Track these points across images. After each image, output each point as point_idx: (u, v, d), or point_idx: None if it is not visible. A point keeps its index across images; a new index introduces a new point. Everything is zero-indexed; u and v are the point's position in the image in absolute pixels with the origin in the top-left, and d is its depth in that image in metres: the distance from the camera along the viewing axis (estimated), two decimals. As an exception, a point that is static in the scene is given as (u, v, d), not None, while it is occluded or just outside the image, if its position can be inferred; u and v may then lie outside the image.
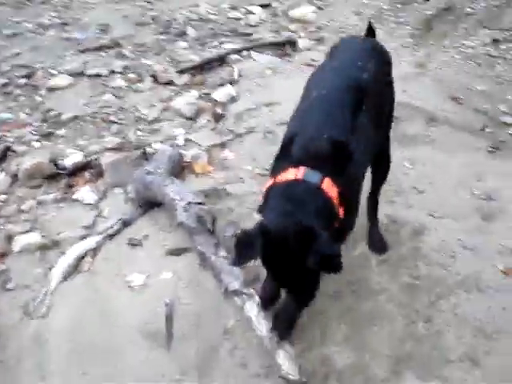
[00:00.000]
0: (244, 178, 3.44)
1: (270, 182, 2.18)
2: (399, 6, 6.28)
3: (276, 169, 2.21)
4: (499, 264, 2.76)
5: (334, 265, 1.94)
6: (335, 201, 2.05)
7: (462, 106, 4.48)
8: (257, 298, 2.46)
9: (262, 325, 2.36)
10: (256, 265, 2.13)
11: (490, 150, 3.96)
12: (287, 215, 1.99)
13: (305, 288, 2.10)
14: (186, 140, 3.82)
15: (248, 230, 2.05)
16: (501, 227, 3.05)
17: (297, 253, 1.92)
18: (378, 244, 2.85)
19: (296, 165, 2.09)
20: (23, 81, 4.73)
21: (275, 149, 3.61)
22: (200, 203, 2.82)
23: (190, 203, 2.80)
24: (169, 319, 2.44)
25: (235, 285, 2.53)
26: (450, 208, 3.18)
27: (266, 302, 2.42)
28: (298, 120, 2.34)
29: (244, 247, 2.00)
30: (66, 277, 2.78)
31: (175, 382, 2.26)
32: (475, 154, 3.86)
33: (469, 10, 5.85)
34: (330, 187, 2.05)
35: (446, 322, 2.42)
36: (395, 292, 2.55)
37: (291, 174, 2.07)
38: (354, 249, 2.79)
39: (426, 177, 3.47)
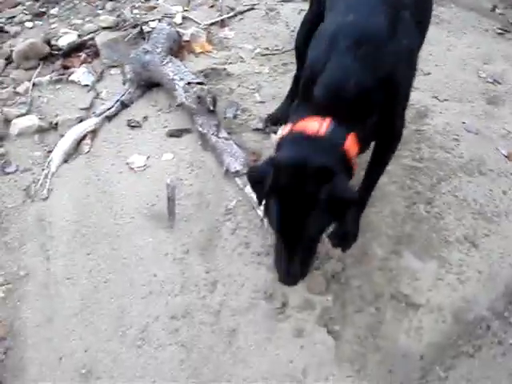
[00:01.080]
0: (244, 57, 3.33)
1: (287, 128, 1.88)
2: None
3: (295, 113, 1.90)
4: (502, 148, 2.75)
5: (348, 197, 1.74)
6: (354, 160, 1.81)
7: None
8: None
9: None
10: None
11: (499, 31, 3.81)
12: (301, 155, 1.74)
13: (310, 237, 1.81)
14: (184, 18, 3.66)
15: (257, 165, 1.92)
16: (506, 111, 3.01)
17: (310, 187, 1.68)
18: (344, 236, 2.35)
19: (318, 114, 1.79)
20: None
21: (277, 28, 3.55)
22: (200, 83, 2.74)
23: (189, 83, 2.72)
24: (171, 200, 2.43)
25: (236, 166, 2.52)
26: (455, 90, 3.12)
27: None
28: (322, 51, 1.86)
29: (256, 185, 1.84)
30: (66, 159, 2.76)
31: (178, 260, 2.30)
32: (484, 36, 3.73)
33: None
34: (352, 145, 1.78)
35: (447, 205, 2.44)
36: (397, 174, 2.54)
37: (311, 126, 1.78)
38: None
39: (432, 58, 3.37)
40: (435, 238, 2.30)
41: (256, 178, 1.83)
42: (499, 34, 3.80)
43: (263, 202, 1.82)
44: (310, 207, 1.69)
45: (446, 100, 3.03)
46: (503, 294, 2.14)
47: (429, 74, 3.23)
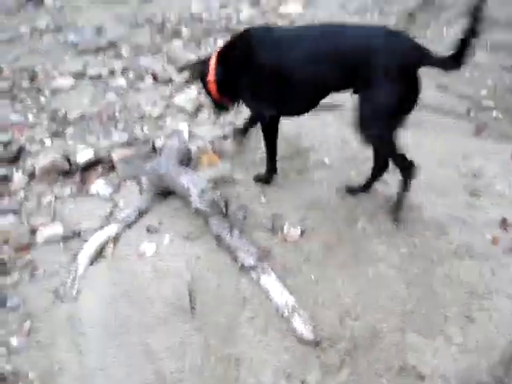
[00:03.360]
0: (247, 165, 3.68)
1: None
2: (384, -2, 6.54)
3: None
4: (487, 234, 3.02)
5: None
6: None
7: (447, 92, 4.74)
8: (271, 272, 2.72)
9: (277, 294, 2.62)
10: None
11: (474, 131, 4.22)
12: None
13: None
14: (191, 133, 4.04)
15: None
16: (487, 201, 3.30)
17: None
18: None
19: None
20: (27, 83, 4.94)
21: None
22: (213, 190, 3.05)
23: (203, 190, 3.03)
24: (191, 295, 2.68)
25: (250, 261, 2.78)
26: (439, 185, 3.43)
27: None
28: None
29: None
30: (92, 262, 3.00)
31: (202, 348, 2.50)
32: (461, 136, 4.12)
33: (449, 1, 6.10)
34: None
35: (443, 285, 2.69)
36: (395, 260, 2.82)
37: None
38: (355, 224, 3.04)
39: (415, 158, 3.71)
40: (435, 315, 2.53)
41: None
42: (474, 133, 4.21)
43: None
44: None
45: (431, 193, 3.34)
46: (501, 360, 2.34)
47: (414, 172, 3.57)
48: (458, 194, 3.38)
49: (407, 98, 2.78)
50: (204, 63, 3.30)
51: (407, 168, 2.99)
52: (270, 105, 3.12)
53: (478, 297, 2.63)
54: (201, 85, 3.35)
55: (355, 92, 2.85)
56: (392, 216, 3.09)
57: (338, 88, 2.91)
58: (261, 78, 3.00)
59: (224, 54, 3.19)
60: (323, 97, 3.01)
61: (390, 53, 2.69)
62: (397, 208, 3.09)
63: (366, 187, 3.32)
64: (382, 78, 2.68)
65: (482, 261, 2.83)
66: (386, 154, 3.05)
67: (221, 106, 3.41)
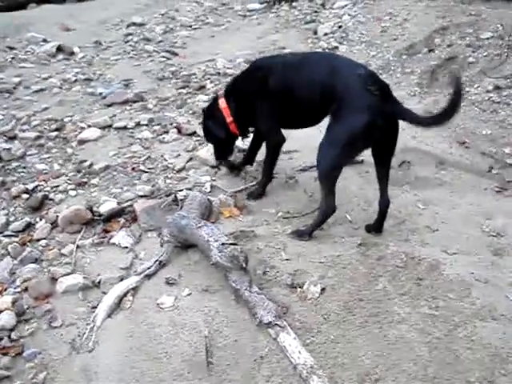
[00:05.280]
0: (268, 220, 3.69)
1: None
2: (404, 56, 6.63)
3: None
4: (511, 295, 2.96)
5: None
6: None
7: (469, 149, 4.77)
8: (290, 330, 2.69)
9: (295, 353, 2.58)
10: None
11: (497, 190, 4.21)
12: None
13: None
14: (212, 186, 4.07)
15: None
16: (511, 261, 3.26)
17: None
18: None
19: None
20: (54, 134, 5.05)
21: (296, 194, 3.94)
22: (233, 244, 3.05)
23: (223, 244, 3.03)
24: (208, 350, 2.65)
25: (269, 317, 2.74)
26: (462, 244, 3.41)
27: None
28: None
29: None
30: (110, 314, 2.99)
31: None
32: (483, 194, 4.11)
33: (471, 59, 6.17)
34: None
35: (465, 348, 2.61)
36: (417, 322, 2.75)
37: None
38: (376, 283, 3.00)
39: (438, 216, 3.72)
40: (457, 380, 2.46)
41: None
42: (497, 191, 4.19)
43: None
44: None
45: (454, 253, 3.31)
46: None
47: (437, 230, 3.55)
48: (482, 252, 3.35)
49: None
50: (208, 110, 4.01)
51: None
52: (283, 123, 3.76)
53: (501, 360, 2.56)
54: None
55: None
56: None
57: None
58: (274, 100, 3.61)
59: (234, 91, 3.86)
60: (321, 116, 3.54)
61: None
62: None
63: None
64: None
65: (506, 323, 2.76)
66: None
67: (224, 150, 4.09)
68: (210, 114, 3.97)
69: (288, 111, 3.64)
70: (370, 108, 3.13)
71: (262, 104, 3.69)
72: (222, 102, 3.86)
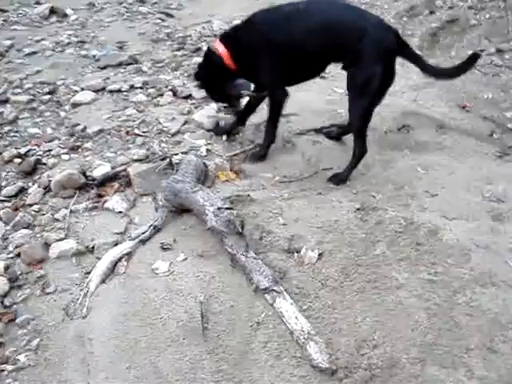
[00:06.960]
0: (265, 184, 3.62)
1: None
2: (405, 18, 6.49)
3: None
4: (511, 261, 2.92)
5: None
6: None
7: (470, 113, 4.68)
8: (287, 296, 2.64)
9: (292, 319, 2.54)
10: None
11: (498, 154, 4.14)
12: None
13: None
14: (208, 150, 3.99)
15: None
16: (511, 227, 3.20)
17: None
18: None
19: None
20: (47, 97, 4.95)
21: (294, 158, 3.87)
22: (229, 208, 2.99)
23: (219, 208, 2.97)
24: (204, 316, 2.61)
25: (265, 283, 2.70)
26: (462, 210, 3.34)
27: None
28: None
29: None
30: (104, 279, 2.95)
31: (213, 372, 2.43)
32: (484, 159, 4.04)
33: (473, 21, 6.03)
34: None
35: (464, 315, 2.58)
36: (416, 287, 2.71)
37: None
38: (375, 248, 2.94)
39: (437, 181, 3.64)
40: (456, 346, 2.43)
41: None
42: (498, 156, 4.12)
43: None
44: None
45: (454, 219, 3.25)
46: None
47: (436, 195, 3.49)
48: (482, 218, 3.29)
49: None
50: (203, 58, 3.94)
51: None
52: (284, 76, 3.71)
53: (501, 327, 2.53)
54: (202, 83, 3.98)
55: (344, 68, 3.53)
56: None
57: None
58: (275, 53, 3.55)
59: (233, 37, 3.77)
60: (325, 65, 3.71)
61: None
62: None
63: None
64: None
65: (506, 289, 2.72)
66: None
67: (230, 99, 3.99)
68: (204, 59, 3.96)
69: (292, 63, 3.61)
70: (387, 53, 3.40)
71: (264, 58, 3.62)
72: (218, 44, 3.78)
